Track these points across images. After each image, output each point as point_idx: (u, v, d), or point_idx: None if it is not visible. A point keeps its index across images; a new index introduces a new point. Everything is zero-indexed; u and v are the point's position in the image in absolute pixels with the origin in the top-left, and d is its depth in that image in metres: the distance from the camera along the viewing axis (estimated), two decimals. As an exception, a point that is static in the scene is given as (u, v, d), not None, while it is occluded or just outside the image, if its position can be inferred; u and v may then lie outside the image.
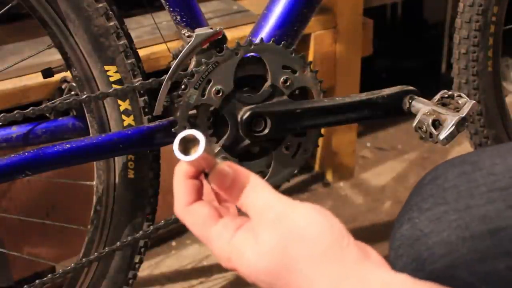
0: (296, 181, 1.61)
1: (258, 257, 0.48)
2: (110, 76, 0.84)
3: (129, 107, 0.86)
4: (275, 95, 0.85)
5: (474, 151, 0.67)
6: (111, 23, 0.82)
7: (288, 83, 0.85)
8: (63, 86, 1.00)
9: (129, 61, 0.84)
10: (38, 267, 1.24)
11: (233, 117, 0.83)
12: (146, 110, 0.86)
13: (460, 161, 0.62)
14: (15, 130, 0.88)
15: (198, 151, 0.47)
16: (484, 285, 0.56)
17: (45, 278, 0.83)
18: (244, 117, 0.83)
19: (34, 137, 0.89)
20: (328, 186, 1.61)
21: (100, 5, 0.81)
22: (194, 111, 0.83)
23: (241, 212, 0.53)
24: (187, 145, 0.48)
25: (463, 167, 0.61)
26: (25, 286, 0.82)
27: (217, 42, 0.84)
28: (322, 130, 0.91)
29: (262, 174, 0.88)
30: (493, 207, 0.57)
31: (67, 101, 0.80)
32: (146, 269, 1.33)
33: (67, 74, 0.91)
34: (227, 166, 0.52)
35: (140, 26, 1.24)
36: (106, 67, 0.83)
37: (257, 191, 0.51)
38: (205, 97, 0.82)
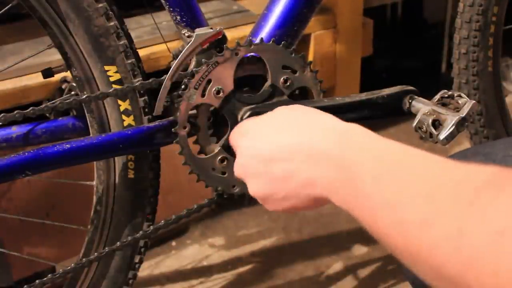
0: (296, 181, 1.60)
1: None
2: (110, 76, 0.84)
3: (129, 107, 0.86)
4: (275, 95, 0.85)
5: (486, 143, 0.67)
6: (111, 23, 0.82)
7: (288, 83, 0.84)
8: (63, 86, 1.00)
9: (129, 61, 0.84)
10: (38, 267, 1.24)
11: (233, 117, 0.83)
12: (146, 110, 0.86)
13: (473, 152, 0.61)
14: (15, 130, 0.88)
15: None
16: None
17: (45, 278, 0.83)
18: (244, 117, 0.82)
19: (34, 137, 0.89)
20: (328, 186, 1.60)
21: (100, 5, 0.81)
22: (194, 111, 0.83)
23: None
24: None
25: (476, 159, 0.60)
26: (25, 286, 0.82)
27: (217, 42, 0.83)
28: (322, 130, 0.91)
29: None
30: None
31: (67, 101, 0.80)
32: (146, 269, 1.33)
33: (67, 74, 0.91)
34: None
35: (140, 26, 1.24)
36: (106, 67, 0.83)
37: None
38: (205, 97, 0.82)
